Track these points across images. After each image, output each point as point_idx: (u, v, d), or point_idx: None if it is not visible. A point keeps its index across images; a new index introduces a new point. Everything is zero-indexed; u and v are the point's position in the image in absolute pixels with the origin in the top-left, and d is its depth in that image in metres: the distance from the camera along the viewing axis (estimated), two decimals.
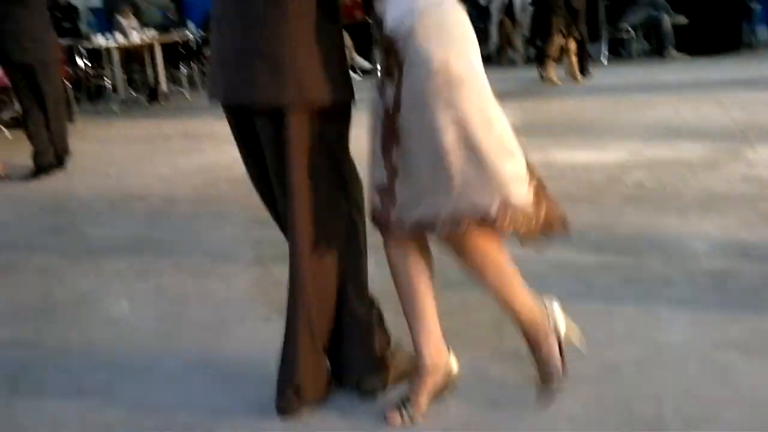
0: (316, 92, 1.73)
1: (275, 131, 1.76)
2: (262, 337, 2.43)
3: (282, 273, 1.96)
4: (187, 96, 9.33)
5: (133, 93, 9.38)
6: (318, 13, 1.72)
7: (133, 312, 2.84)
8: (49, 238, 3.85)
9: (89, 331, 2.67)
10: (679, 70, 8.45)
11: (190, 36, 10.22)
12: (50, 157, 5.50)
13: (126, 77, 9.43)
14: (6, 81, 5.25)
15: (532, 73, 8.51)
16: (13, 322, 2.80)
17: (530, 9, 9.58)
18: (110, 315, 2.81)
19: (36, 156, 5.44)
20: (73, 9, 12.57)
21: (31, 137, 5.46)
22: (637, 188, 3.89)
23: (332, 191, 1.83)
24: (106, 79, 9.26)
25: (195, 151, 5.92)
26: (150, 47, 9.27)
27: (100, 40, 8.81)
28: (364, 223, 1.93)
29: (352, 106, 1.86)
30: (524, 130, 5.30)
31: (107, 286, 3.11)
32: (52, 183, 5.17)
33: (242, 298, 2.84)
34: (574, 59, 7.99)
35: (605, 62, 9.50)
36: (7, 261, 3.53)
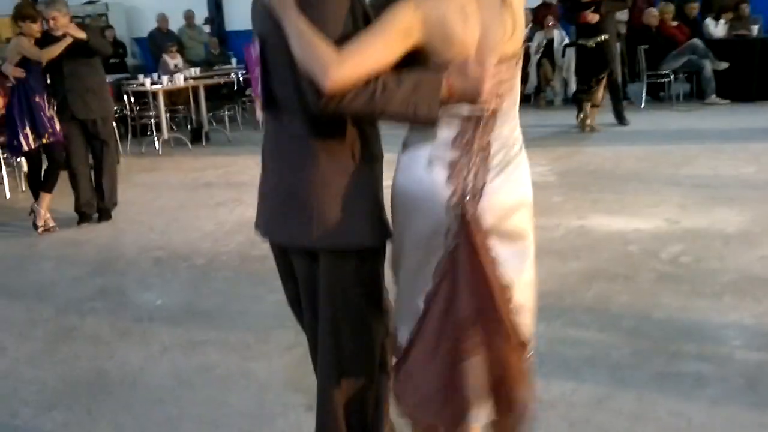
0: (344, 237, 1.77)
1: (308, 268, 1.85)
2: (305, 428, 2.52)
3: None
4: (228, 136, 9.55)
5: (175, 130, 9.64)
6: (351, 153, 1.77)
7: (180, 392, 2.96)
8: (98, 303, 4.01)
9: (140, 415, 2.79)
10: (718, 117, 8.41)
11: (233, 76, 10.47)
12: (94, 207, 5.75)
13: (169, 115, 9.70)
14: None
15: (570, 115, 8.56)
16: (67, 403, 2.93)
17: (570, 52, 9.64)
18: (159, 396, 2.93)
19: (81, 206, 5.69)
20: (120, 45, 12.96)
21: (76, 188, 5.70)
22: (673, 264, 3.92)
23: (364, 324, 1.87)
24: (151, 119, 9.53)
25: (237, 202, 6.09)
26: (194, 87, 9.53)
27: (147, 84, 9.08)
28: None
29: (388, 244, 1.90)
30: (561, 188, 5.49)
31: (156, 362, 3.23)
32: (98, 236, 5.37)
33: (284, 382, 2.94)
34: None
35: (642, 106, 9.48)
36: (58, 328, 3.70)
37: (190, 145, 9.12)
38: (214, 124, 10.15)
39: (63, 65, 5.50)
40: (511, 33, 1.71)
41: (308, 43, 1.58)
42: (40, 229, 5.46)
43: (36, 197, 5.53)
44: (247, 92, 10.78)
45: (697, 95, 9.67)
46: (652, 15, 9.53)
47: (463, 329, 1.78)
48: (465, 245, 1.75)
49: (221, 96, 10.45)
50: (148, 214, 5.91)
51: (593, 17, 7.74)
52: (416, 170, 1.76)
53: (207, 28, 15.61)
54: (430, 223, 1.76)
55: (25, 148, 5.40)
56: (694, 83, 9.77)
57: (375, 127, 1.85)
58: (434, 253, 1.78)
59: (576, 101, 8.45)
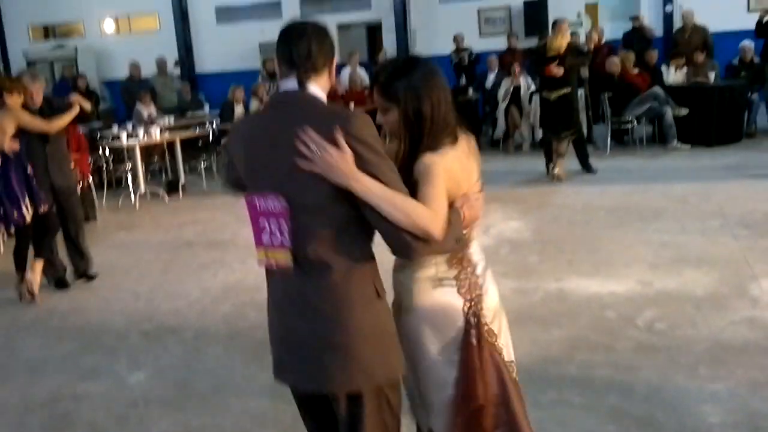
0: (383, 374, 1.96)
1: (348, 409, 1.98)
2: None
3: None
4: (205, 187, 9.62)
5: (150, 180, 9.69)
6: (376, 292, 1.96)
7: None
8: (91, 385, 4.05)
9: None
10: (681, 164, 8.75)
11: (208, 127, 10.57)
12: (63, 270, 5.87)
13: (144, 167, 9.75)
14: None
15: (538, 161, 8.84)
16: None
17: (536, 98, 9.93)
18: None
19: (53, 272, 5.79)
20: (92, 93, 12.99)
21: (56, 256, 5.81)
22: (649, 332, 4.11)
23: None
24: (126, 172, 9.56)
25: (219, 264, 6.16)
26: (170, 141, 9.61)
27: (123, 138, 9.14)
28: None
29: None
30: (536, 246, 5.68)
31: None
32: (84, 307, 5.40)
33: None
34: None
35: (607, 152, 9.80)
36: (54, 415, 3.74)
37: (166, 199, 9.18)
38: (188, 171, 10.20)
39: (48, 134, 5.60)
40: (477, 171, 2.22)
41: (402, 206, 1.85)
42: (37, 298, 5.49)
43: (21, 268, 5.55)
44: (222, 142, 10.89)
45: (659, 139, 10.03)
46: (614, 63, 9.90)
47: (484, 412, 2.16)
48: (479, 343, 2.14)
49: (197, 147, 10.53)
50: (131, 280, 5.96)
51: (558, 71, 8.04)
52: (430, 291, 2.14)
53: (177, 71, 15.73)
54: (452, 332, 2.14)
55: (28, 220, 5.43)
56: (656, 127, 10.14)
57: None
58: (455, 353, 2.14)
59: (544, 149, 8.72)
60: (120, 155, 9.73)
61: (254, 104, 11.09)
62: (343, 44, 15.87)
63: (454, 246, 2.05)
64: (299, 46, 1.90)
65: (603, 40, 11.66)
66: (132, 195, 9.07)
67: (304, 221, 1.88)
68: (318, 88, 1.95)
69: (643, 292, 4.70)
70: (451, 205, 2.03)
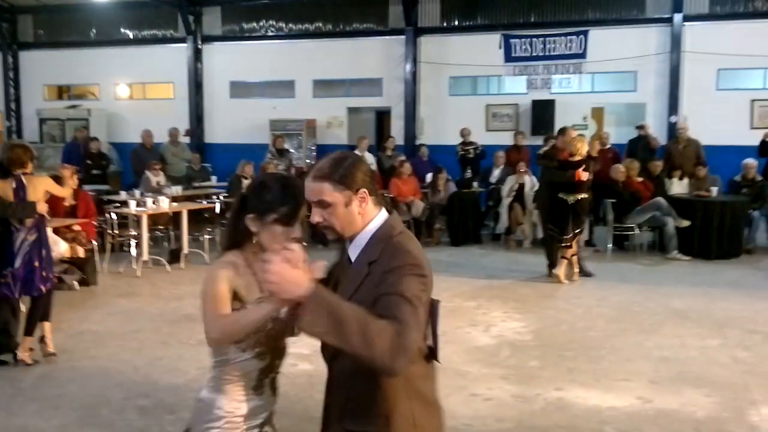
0: None
1: None
2: None
3: None
4: (207, 259, 9.67)
5: (152, 245, 9.74)
6: None
7: None
8: None
9: None
10: (681, 276, 8.86)
11: (215, 200, 10.72)
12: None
13: (150, 235, 9.82)
14: None
15: (538, 259, 8.95)
16: None
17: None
18: None
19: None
20: (103, 156, 13.20)
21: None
22: None
23: None
24: (131, 238, 9.63)
25: None
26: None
27: (131, 206, 9.25)
28: None
29: None
30: (537, 350, 5.70)
31: None
32: (82, 376, 5.37)
33: None
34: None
35: (608, 255, 9.93)
36: None
37: (168, 267, 9.22)
38: (191, 242, 10.27)
39: None
40: None
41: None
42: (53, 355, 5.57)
43: (29, 333, 5.57)
44: (227, 214, 11.00)
45: (660, 248, 10.19)
46: (619, 171, 10.15)
47: None
48: None
49: (202, 218, 10.64)
50: (130, 350, 5.95)
51: (585, 175, 8.22)
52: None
53: (187, 140, 16.02)
54: None
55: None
56: (657, 235, 10.31)
57: None
58: None
59: (545, 248, 8.83)
60: (125, 220, 9.82)
61: None
62: (352, 127, 16.30)
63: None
64: None
65: (608, 145, 12.00)
66: (134, 262, 9.11)
67: None
68: None
69: (642, 410, 4.71)
70: None
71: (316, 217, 2.07)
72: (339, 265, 2.20)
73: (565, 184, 8.29)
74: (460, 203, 11.27)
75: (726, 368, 5.49)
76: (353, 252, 2.10)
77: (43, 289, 5.52)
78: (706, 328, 6.51)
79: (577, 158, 8.21)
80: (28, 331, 5.59)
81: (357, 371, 1.94)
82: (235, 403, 2.30)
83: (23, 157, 5.47)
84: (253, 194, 2.26)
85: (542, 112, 14.60)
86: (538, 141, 12.28)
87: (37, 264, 5.45)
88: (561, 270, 8.38)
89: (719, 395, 4.93)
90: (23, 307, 5.87)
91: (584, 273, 8.66)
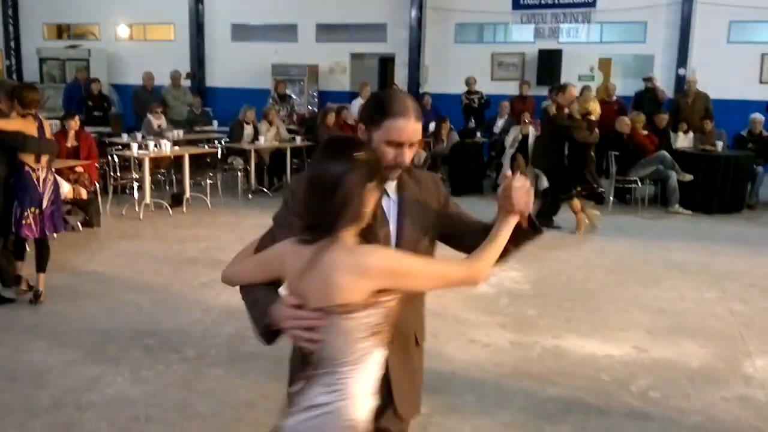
0: None
1: None
2: None
3: None
4: (209, 204, 9.70)
5: (154, 189, 9.77)
6: None
7: None
8: (95, 395, 4.10)
9: None
10: (682, 229, 8.90)
11: (217, 145, 10.69)
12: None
13: (151, 179, 9.83)
14: None
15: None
16: None
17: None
18: None
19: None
20: (105, 98, 13.10)
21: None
22: (642, 399, 4.19)
23: None
24: (133, 181, 9.64)
25: (222, 286, 6.16)
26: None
27: (133, 149, 9.23)
28: None
29: None
30: (535, 299, 5.77)
31: None
32: (88, 315, 5.45)
33: None
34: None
35: (609, 208, 9.96)
36: (58, 423, 3.79)
37: (170, 211, 9.25)
38: (192, 186, 10.28)
39: None
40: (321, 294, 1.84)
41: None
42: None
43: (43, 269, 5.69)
44: (229, 160, 11.01)
45: (661, 201, 10.20)
46: (624, 123, 10.09)
47: None
48: None
49: (204, 163, 10.63)
50: (135, 291, 6.02)
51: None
52: (303, 418, 1.88)
53: (188, 83, 15.88)
54: None
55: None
56: (659, 188, 10.32)
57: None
58: None
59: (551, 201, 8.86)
60: (127, 163, 9.82)
61: (264, 126, 11.21)
62: (355, 74, 16.13)
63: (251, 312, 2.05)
64: None
65: (614, 97, 11.90)
66: (137, 205, 9.14)
67: None
68: None
69: (638, 359, 4.80)
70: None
71: (409, 156, 2.05)
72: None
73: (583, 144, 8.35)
74: (463, 153, 11.23)
75: (722, 320, 5.56)
76: (390, 186, 2.09)
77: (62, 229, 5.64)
78: (704, 281, 6.58)
79: (593, 117, 8.26)
80: (42, 268, 5.68)
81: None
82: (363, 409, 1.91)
83: (39, 98, 5.56)
84: None
85: (549, 62, 14.42)
86: (543, 91, 12.17)
87: (57, 203, 5.65)
88: (586, 218, 8.45)
89: (715, 346, 5.01)
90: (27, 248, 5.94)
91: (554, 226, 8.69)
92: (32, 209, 5.44)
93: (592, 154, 8.70)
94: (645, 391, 4.30)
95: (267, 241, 2.06)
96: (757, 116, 10.80)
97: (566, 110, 8.34)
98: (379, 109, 1.99)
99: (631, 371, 4.58)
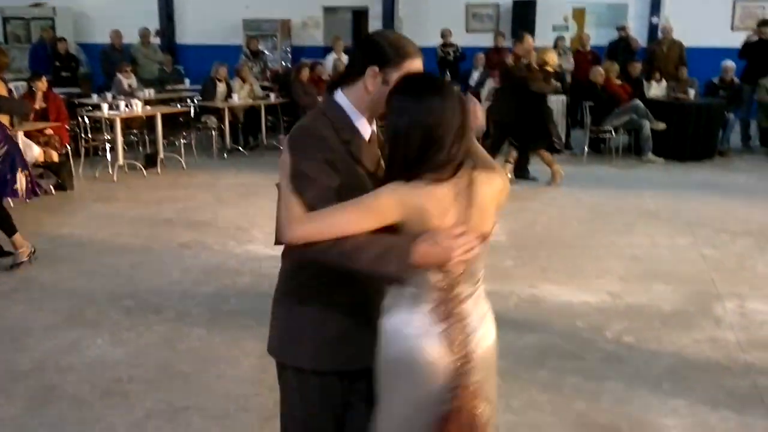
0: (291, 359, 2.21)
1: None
2: None
3: None
4: (183, 164, 9.61)
5: (127, 150, 9.65)
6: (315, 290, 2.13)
7: None
8: (75, 358, 4.12)
9: None
10: (654, 177, 9.01)
11: (189, 103, 10.55)
12: None
13: (123, 138, 9.70)
14: None
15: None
16: None
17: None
18: None
19: None
20: (73, 58, 12.83)
21: None
22: (617, 344, 4.30)
23: None
24: (105, 142, 9.51)
25: (200, 245, 6.23)
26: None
27: (104, 109, 9.09)
28: None
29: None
30: (511, 251, 5.84)
31: (141, 430, 3.40)
32: (66, 279, 5.43)
33: None
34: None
35: (584, 158, 10.03)
36: (39, 386, 3.81)
37: (144, 172, 9.16)
38: (166, 146, 10.17)
39: None
40: (478, 224, 1.92)
41: (285, 202, 1.90)
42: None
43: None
44: (202, 119, 10.88)
45: (635, 150, 10.29)
46: (599, 73, 10.10)
47: None
48: (458, 409, 1.91)
49: (177, 123, 10.50)
50: (112, 254, 6.00)
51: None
52: (407, 342, 1.90)
53: (157, 41, 15.56)
54: (426, 390, 1.90)
55: None
56: (633, 137, 10.39)
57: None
58: (425, 414, 1.91)
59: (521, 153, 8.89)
60: (98, 124, 9.67)
61: (237, 84, 11.07)
62: (329, 28, 15.90)
63: (370, 268, 1.86)
64: (350, 55, 2.05)
65: (588, 47, 11.89)
66: (110, 166, 9.04)
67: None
68: (344, 97, 2.02)
69: (613, 305, 4.90)
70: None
71: None
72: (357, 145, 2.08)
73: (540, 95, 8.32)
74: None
75: (694, 265, 5.68)
76: (366, 128, 2.08)
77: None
78: (676, 228, 6.70)
79: (550, 69, 8.21)
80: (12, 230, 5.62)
81: None
82: None
83: (8, 61, 5.47)
84: None
85: (523, 13, 14.31)
86: None
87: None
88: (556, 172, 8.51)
89: (686, 290, 5.13)
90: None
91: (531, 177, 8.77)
92: (25, 171, 5.40)
93: (550, 106, 8.66)
94: (619, 336, 4.41)
95: (325, 197, 1.88)
96: (728, 63, 10.86)
97: (524, 60, 8.31)
98: (397, 50, 1.97)
99: (606, 317, 4.69)
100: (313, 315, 2.07)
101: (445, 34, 13.05)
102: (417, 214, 1.85)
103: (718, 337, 4.38)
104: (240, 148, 10.97)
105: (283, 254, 2.11)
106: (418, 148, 1.85)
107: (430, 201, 1.86)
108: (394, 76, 1.95)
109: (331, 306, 2.06)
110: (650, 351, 4.21)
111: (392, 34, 2.03)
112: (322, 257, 1.87)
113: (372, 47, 1.98)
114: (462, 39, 13.69)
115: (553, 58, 8.28)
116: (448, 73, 12.72)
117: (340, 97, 2.02)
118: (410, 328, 1.91)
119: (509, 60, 8.50)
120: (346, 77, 2.03)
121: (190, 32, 16.89)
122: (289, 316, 2.11)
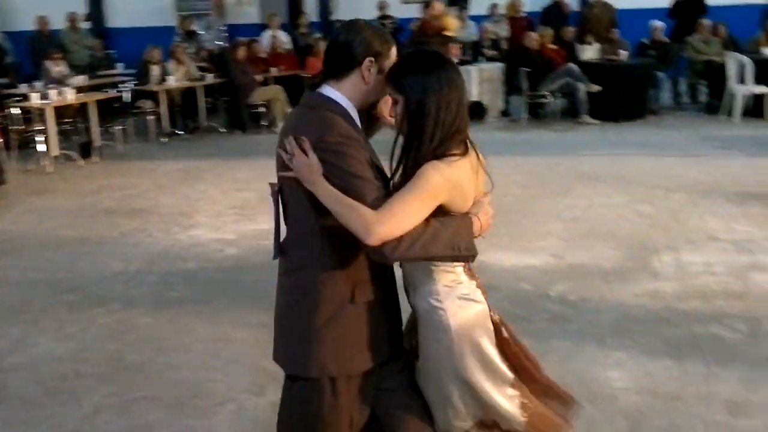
0: (334, 367, 2.14)
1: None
2: None
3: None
4: (122, 151, 9.40)
5: (62, 140, 9.37)
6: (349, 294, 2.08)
7: None
8: (19, 358, 4.03)
9: None
10: (591, 139, 9.20)
11: (123, 88, 10.29)
12: None
13: (57, 129, 9.42)
14: None
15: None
16: None
17: None
18: None
19: None
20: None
21: None
22: (562, 304, 4.42)
23: None
24: (38, 133, 9.22)
25: (141, 233, 6.13)
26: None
27: (34, 98, 8.80)
28: None
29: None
30: None
31: (91, 424, 3.35)
32: (5, 275, 5.29)
33: None
34: None
35: (523, 124, 10.17)
36: None
37: (81, 162, 8.93)
38: (102, 133, 9.91)
39: None
40: (480, 190, 2.09)
41: (347, 208, 1.85)
42: None
43: None
44: (138, 103, 10.62)
45: (572, 114, 10.47)
46: (533, 39, 10.21)
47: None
48: (509, 339, 2.21)
49: (112, 109, 10.24)
50: (50, 249, 5.85)
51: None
52: (464, 309, 2.08)
53: (87, 25, 15.08)
54: (489, 339, 2.13)
55: None
56: (570, 101, 10.56)
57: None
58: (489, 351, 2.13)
59: None
60: (29, 115, 9.36)
61: (172, 66, 10.83)
62: (264, 6, 15.64)
63: (448, 253, 1.96)
64: (330, 45, 2.01)
65: (522, 13, 11.98)
66: (44, 158, 8.78)
67: (288, 217, 2.04)
68: (335, 91, 1.98)
69: (556, 266, 5.02)
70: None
71: None
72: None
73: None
74: None
75: (631, 222, 5.85)
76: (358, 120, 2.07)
77: None
78: (612, 187, 6.87)
79: (450, 33, 8.25)
80: None
81: None
82: None
83: None
84: None
85: None
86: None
87: None
88: None
89: (625, 247, 5.29)
90: None
91: None
92: None
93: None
94: (564, 296, 4.52)
95: (383, 194, 1.89)
96: (657, 23, 11.10)
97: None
98: (382, 39, 1.99)
99: (550, 278, 4.80)
100: (333, 321, 2.02)
101: (382, 6, 12.99)
102: (457, 189, 1.95)
103: (657, 290, 4.54)
104: (178, 131, 10.77)
105: (284, 271, 2.10)
106: (450, 122, 1.93)
107: (464, 175, 1.96)
108: (386, 63, 1.98)
109: (350, 308, 2.03)
110: (594, 308, 4.34)
111: (366, 23, 2.04)
112: (411, 255, 1.88)
113: (363, 39, 1.97)
114: (397, 9, 13.62)
115: (452, 23, 8.33)
116: None
117: (332, 92, 1.99)
118: (461, 288, 2.08)
119: (415, 26, 8.55)
120: (333, 72, 2.00)
121: (120, 15, 16.38)
122: (308, 326, 2.03)
